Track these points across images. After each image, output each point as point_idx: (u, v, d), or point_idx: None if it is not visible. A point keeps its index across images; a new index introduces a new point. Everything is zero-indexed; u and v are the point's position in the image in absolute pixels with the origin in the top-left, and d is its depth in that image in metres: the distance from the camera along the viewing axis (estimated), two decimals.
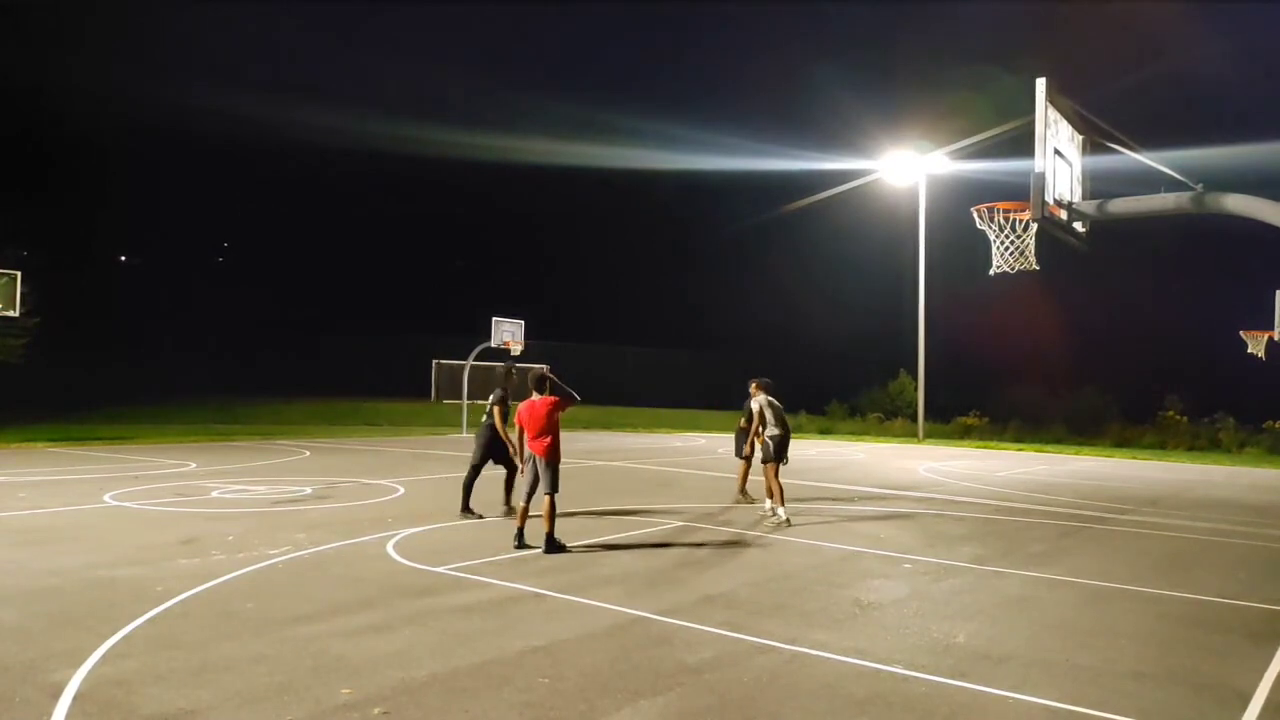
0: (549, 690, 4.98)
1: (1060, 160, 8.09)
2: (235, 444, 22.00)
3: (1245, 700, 5.18)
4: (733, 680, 5.26)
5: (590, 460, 20.05)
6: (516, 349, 29.48)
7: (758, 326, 59.51)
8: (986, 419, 35.21)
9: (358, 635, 5.92)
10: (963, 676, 5.42)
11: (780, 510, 11.24)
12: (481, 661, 5.43)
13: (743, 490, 13.02)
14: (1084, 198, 8.57)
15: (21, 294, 20.74)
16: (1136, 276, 46.94)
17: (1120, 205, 8.45)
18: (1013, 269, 9.32)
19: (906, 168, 34.03)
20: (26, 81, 44.53)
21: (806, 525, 11.01)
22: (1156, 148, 8.41)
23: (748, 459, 12.76)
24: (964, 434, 33.91)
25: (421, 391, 43.95)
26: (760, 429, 11.85)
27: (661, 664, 5.50)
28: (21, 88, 43.98)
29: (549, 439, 8.88)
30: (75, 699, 4.69)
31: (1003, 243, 9.33)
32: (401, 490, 13.47)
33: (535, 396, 9.04)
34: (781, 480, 11.50)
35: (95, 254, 56.14)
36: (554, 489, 8.87)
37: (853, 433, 35.53)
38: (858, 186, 36.79)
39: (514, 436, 10.04)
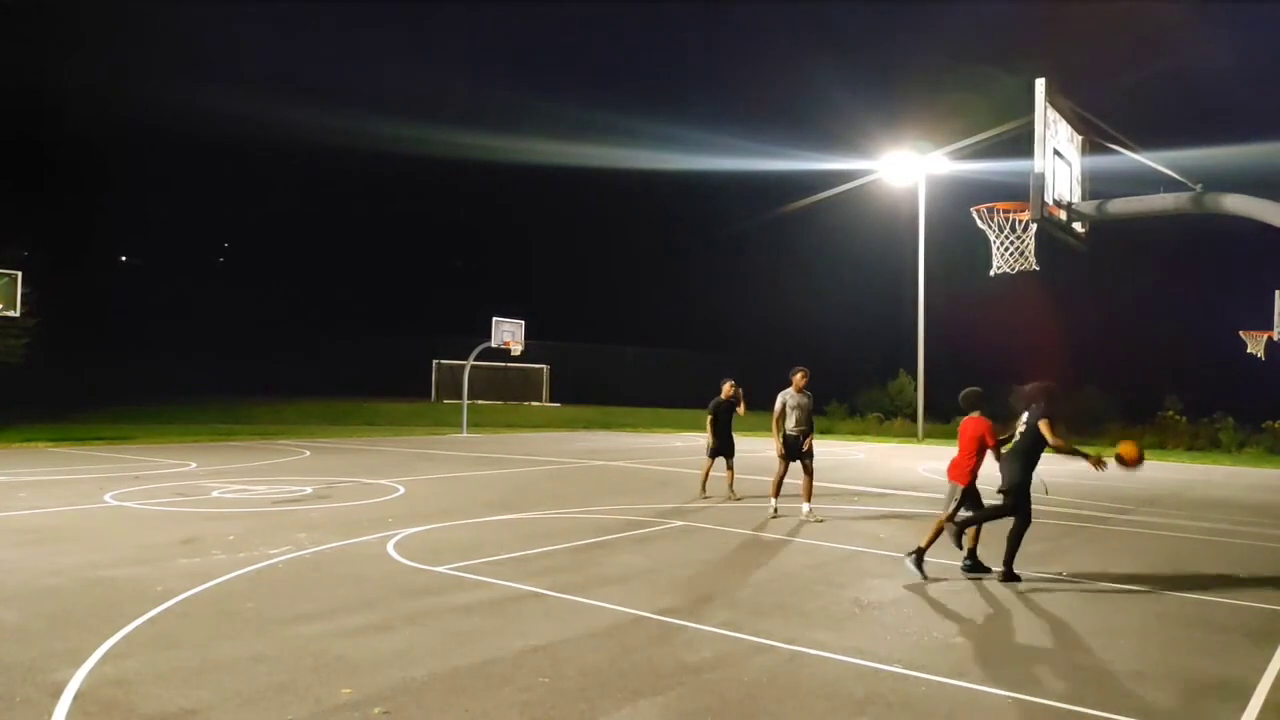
0: (549, 690, 4.99)
1: (1060, 160, 8.10)
2: (235, 444, 22.00)
3: (1245, 700, 5.18)
4: (733, 680, 5.26)
5: (590, 460, 20.06)
6: (516, 349, 29.45)
7: (757, 326, 59.49)
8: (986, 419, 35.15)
9: (358, 635, 5.92)
10: (962, 676, 5.42)
11: (775, 501, 11.62)
12: (481, 661, 5.43)
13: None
14: (1083, 198, 8.58)
15: (21, 294, 20.78)
16: (1136, 276, 46.94)
17: (1120, 205, 8.46)
18: (1013, 269, 9.33)
19: (906, 168, 34.02)
20: (26, 81, 44.51)
21: (806, 525, 11.01)
22: (1156, 148, 8.42)
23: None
24: None
25: (421, 391, 44.06)
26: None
27: (661, 664, 5.50)
28: (21, 88, 43.96)
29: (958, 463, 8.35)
30: (75, 698, 4.69)
31: (1003, 243, 9.35)
32: (401, 490, 13.48)
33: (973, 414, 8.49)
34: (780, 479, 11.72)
35: (95, 254, 56.11)
36: (966, 515, 8.23)
37: (852, 432, 35.52)
38: (858, 186, 36.81)
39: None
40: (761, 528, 10.79)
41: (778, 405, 11.46)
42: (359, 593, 7.05)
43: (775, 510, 11.60)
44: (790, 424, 11.40)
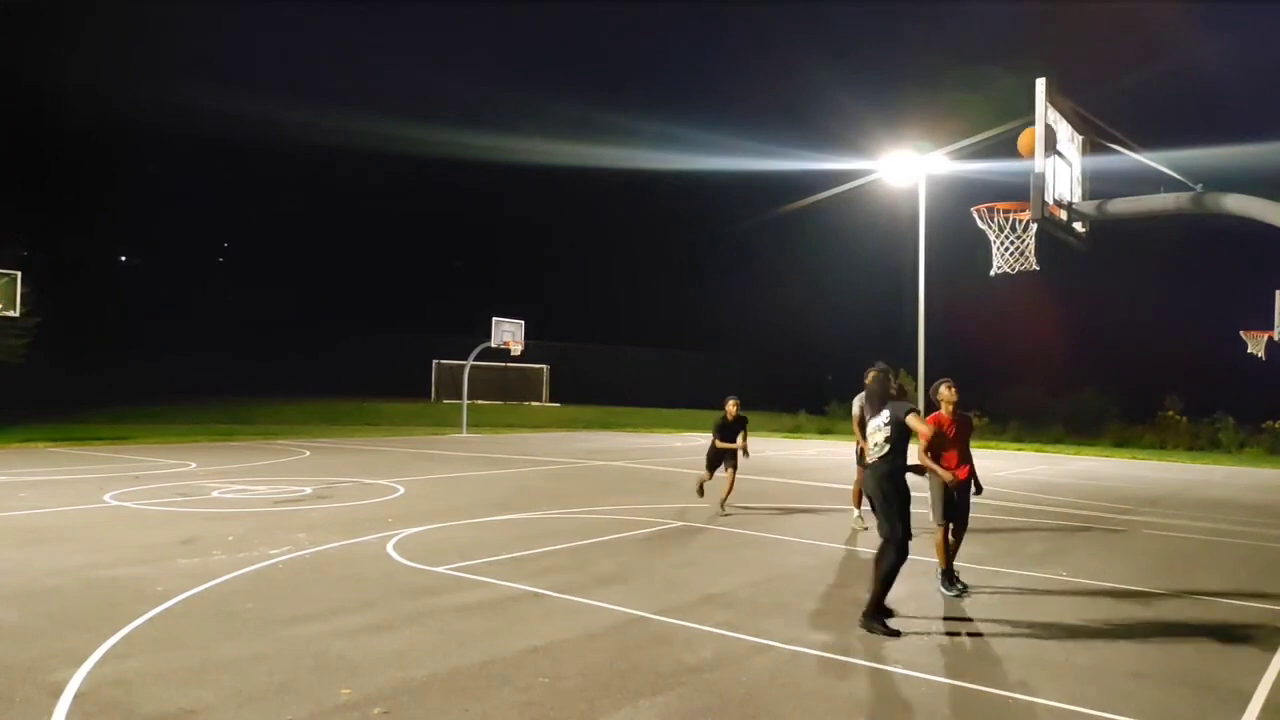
0: (549, 690, 4.99)
1: (1060, 160, 8.09)
2: (235, 444, 22.00)
3: (1245, 700, 5.18)
4: (733, 680, 5.26)
5: (590, 460, 20.05)
6: (516, 349, 29.45)
7: (758, 326, 59.50)
8: (986, 419, 35.17)
9: (358, 635, 5.92)
10: (962, 676, 5.42)
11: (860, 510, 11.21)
12: (481, 661, 5.43)
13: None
14: (1084, 198, 8.56)
15: (21, 294, 20.79)
16: (1136, 276, 46.93)
17: (1120, 205, 8.45)
18: (1013, 269, 9.31)
19: (906, 168, 33.96)
20: (26, 81, 44.50)
21: (806, 525, 11.02)
22: (1156, 148, 8.40)
23: None
24: None
25: (421, 391, 44.05)
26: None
27: (661, 664, 5.50)
28: (21, 87, 43.95)
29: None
30: (75, 698, 4.69)
31: (1003, 243, 9.33)
32: (401, 490, 13.47)
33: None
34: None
35: (95, 254, 56.08)
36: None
37: (853, 433, 35.50)
38: (857, 186, 36.75)
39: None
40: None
41: (858, 408, 11.22)
42: (359, 593, 7.05)
43: (864, 521, 11.05)
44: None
